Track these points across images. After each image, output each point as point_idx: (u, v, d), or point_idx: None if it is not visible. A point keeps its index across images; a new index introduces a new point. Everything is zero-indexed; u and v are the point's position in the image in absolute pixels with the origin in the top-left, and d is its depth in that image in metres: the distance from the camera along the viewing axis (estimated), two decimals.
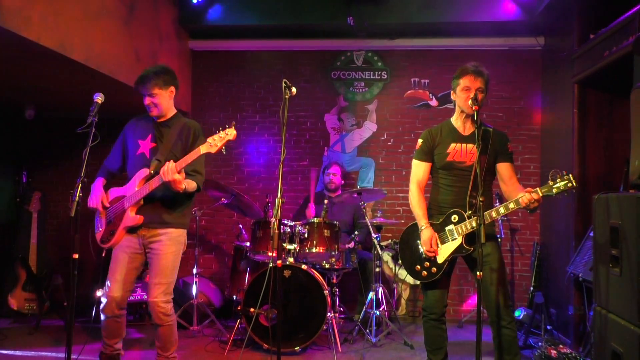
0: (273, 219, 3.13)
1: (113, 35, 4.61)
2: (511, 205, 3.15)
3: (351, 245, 5.07)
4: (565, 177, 3.03)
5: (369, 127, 6.37)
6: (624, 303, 2.84)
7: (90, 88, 4.43)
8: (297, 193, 6.27)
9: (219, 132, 3.27)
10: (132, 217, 3.44)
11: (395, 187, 6.19)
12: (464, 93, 3.33)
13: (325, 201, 4.92)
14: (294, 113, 6.29)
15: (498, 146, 3.33)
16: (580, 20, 4.91)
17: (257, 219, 4.79)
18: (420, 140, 3.49)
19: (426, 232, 3.35)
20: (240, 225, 5.58)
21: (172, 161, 3.29)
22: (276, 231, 3.09)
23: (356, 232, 5.12)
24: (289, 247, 4.55)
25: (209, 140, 3.26)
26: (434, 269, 3.37)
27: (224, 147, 3.24)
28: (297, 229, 4.60)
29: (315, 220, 4.67)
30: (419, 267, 3.41)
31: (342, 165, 5.88)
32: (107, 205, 3.54)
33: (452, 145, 3.37)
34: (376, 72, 6.36)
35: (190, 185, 3.45)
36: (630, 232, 2.78)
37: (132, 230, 3.48)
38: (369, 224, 4.89)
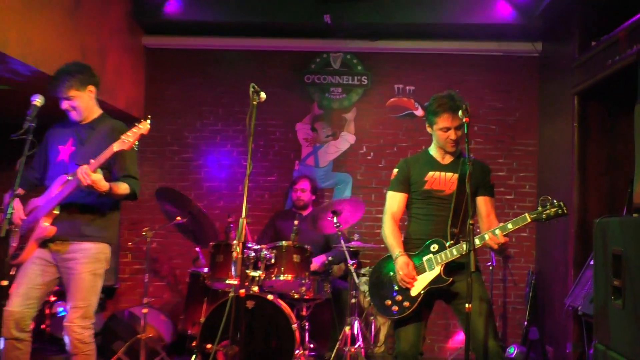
0: (236, 242, 3.15)
1: (56, 29, 4.57)
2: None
3: (323, 258, 5.06)
4: (556, 203, 3.17)
5: (347, 139, 6.41)
6: (627, 340, 2.86)
7: (28, 89, 4.38)
8: (263, 212, 6.26)
9: (133, 127, 3.34)
10: (43, 227, 3.38)
11: (375, 207, 6.21)
12: (442, 133, 3.46)
13: (296, 222, 4.91)
14: (262, 121, 6.29)
15: (479, 178, 3.46)
16: (581, 26, 5.02)
17: (217, 242, 4.77)
18: (395, 170, 3.63)
19: (401, 259, 3.42)
20: (198, 249, 5.52)
21: (85, 165, 3.32)
22: (239, 256, 3.08)
23: (330, 258, 5.11)
24: (253, 274, 4.52)
25: (122, 137, 3.30)
26: (406, 303, 3.40)
27: (136, 143, 3.35)
28: (262, 253, 4.58)
29: (284, 243, 4.66)
30: (389, 301, 3.45)
31: (312, 180, 5.87)
32: (24, 217, 3.48)
33: (430, 173, 3.51)
34: (355, 77, 6.42)
35: (121, 187, 3.44)
36: (634, 260, 2.81)
37: (44, 243, 3.42)
38: (345, 248, 4.89)
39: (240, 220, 3.07)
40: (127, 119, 6.16)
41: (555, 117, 5.68)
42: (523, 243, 6.15)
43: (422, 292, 3.38)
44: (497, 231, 3.25)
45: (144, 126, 3.32)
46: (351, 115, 6.42)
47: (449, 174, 3.48)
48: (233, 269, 4.40)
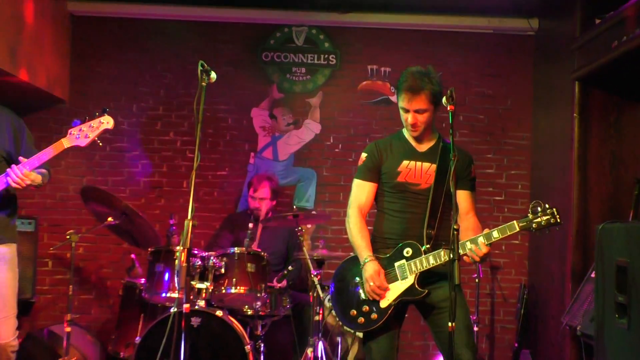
0: (179, 248, 3.12)
1: None
2: (479, 240, 3.28)
3: (283, 284, 5.05)
4: (549, 210, 3.19)
5: (311, 128, 6.42)
6: None
7: None
8: (212, 213, 6.23)
9: (87, 120, 3.42)
10: None
11: (343, 209, 6.13)
12: (403, 113, 3.54)
13: (250, 225, 4.90)
14: (211, 106, 6.24)
15: (459, 168, 3.43)
16: (583, 1, 5.07)
17: (156, 248, 4.72)
18: (364, 155, 3.66)
19: (370, 265, 3.44)
20: (134, 256, 5.47)
21: (15, 166, 3.49)
22: (183, 264, 3.06)
23: (290, 268, 5.10)
24: (199, 285, 4.50)
25: (73, 131, 3.45)
26: (374, 315, 3.44)
27: (98, 139, 3.53)
28: (210, 261, 4.56)
29: (236, 250, 4.64)
30: (354, 311, 3.49)
31: (273, 181, 5.86)
32: None
33: (405, 162, 3.55)
34: (322, 56, 6.41)
35: (37, 179, 3.63)
36: None
37: None
38: (307, 257, 4.88)
39: (186, 223, 3.05)
40: (49, 100, 6.10)
41: (552, 106, 5.75)
42: (514, 252, 6.24)
43: (393, 303, 3.42)
44: (480, 239, 3.26)
45: (107, 120, 3.47)
46: (316, 100, 6.42)
47: (426, 165, 3.52)
48: (176, 279, 4.41)
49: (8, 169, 3.49)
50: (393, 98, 6.34)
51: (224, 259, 4.62)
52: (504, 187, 6.30)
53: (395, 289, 3.41)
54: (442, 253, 3.31)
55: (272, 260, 5.18)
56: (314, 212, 6.03)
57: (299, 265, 5.51)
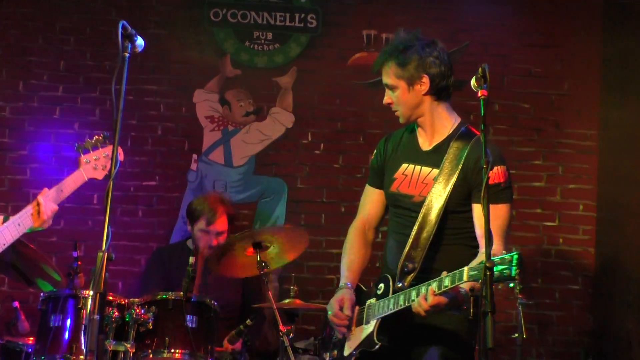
0: (88, 293, 3.11)
1: None
2: (421, 290, 3.33)
3: (237, 346, 5.06)
4: (507, 257, 3.10)
5: (280, 120, 6.45)
6: None
7: None
8: (135, 242, 6.23)
9: (99, 147, 3.75)
10: None
11: (327, 236, 6.25)
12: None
13: (191, 260, 4.88)
14: (135, 86, 6.21)
15: (471, 172, 3.55)
16: None
17: (51, 292, 4.71)
18: (375, 151, 3.95)
19: (339, 293, 3.70)
20: (16, 304, 5.43)
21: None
22: (93, 316, 3.02)
23: (247, 322, 5.09)
24: (116, 347, 4.48)
25: (86, 159, 3.94)
26: None
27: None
28: (133, 312, 4.55)
29: (170, 296, 4.66)
30: (327, 355, 3.77)
31: (225, 201, 5.79)
32: None
33: (403, 166, 3.75)
34: (296, 15, 6.46)
35: None
36: None
37: None
38: (274, 306, 4.87)
39: (99, 255, 3.03)
40: None
41: (630, 91, 5.79)
42: (571, 301, 6.25)
43: (354, 352, 3.59)
44: (432, 286, 3.30)
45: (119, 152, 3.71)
46: (288, 79, 6.46)
47: (426, 169, 3.65)
48: (82, 339, 4.38)
49: (39, 205, 3.80)
50: None
51: (153, 308, 4.59)
52: (558, 207, 6.34)
53: (359, 335, 3.60)
54: (413, 293, 3.37)
55: (222, 310, 5.15)
56: (283, 229, 6.01)
57: (261, 319, 5.49)
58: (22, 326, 5.37)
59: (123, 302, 4.61)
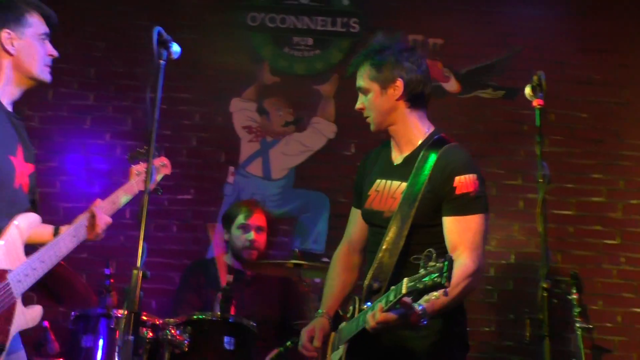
0: (122, 311, 3.10)
1: None
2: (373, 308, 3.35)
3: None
4: (437, 264, 3.10)
5: (321, 130, 6.44)
6: None
7: None
8: (169, 259, 6.24)
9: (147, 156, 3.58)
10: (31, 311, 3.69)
11: None
12: None
13: (229, 278, 4.88)
14: (168, 94, 6.17)
15: (438, 183, 3.57)
16: None
17: (82, 311, 4.73)
18: (357, 170, 4.11)
19: (311, 322, 3.86)
20: (46, 324, 5.44)
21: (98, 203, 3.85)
22: (128, 338, 3.02)
23: (288, 343, 5.09)
24: None
25: (137, 170, 3.94)
26: None
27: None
28: (168, 333, 4.57)
29: (206, 316, 4.66)
30: None
31: (266, 208, 5.89)
32: None
33: (377, 182, 3.82)
34: (338, 20, 6.45)
35: None
36: None
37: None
38: None
39: (134, 273, 3.03)
40: None
41: None
42: (634, 325, 6.18)
43: None
44: (380, 303, 3.32)
45: (166, 164, 4.23)
46: (329, 87, 6.45)
47: (396, 183, 3.70)
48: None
49: (94, 217, 3.79)
50: (447, 85, 6.37)
51: (188, 329, 4.59)
52: (619, 224, 6.27)
53: None
54: (369, 312, 3.36)
55: (259, 328, 5.15)
56: (325, 259, 5.98)
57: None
58: (51, 347, 5.36)
59: (157, 323, 4.63)
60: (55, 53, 3.83)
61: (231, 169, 6.42)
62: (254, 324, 4.78)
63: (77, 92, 6.43)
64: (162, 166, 4.20)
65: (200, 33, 6.40)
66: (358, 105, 3.79)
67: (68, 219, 6.03)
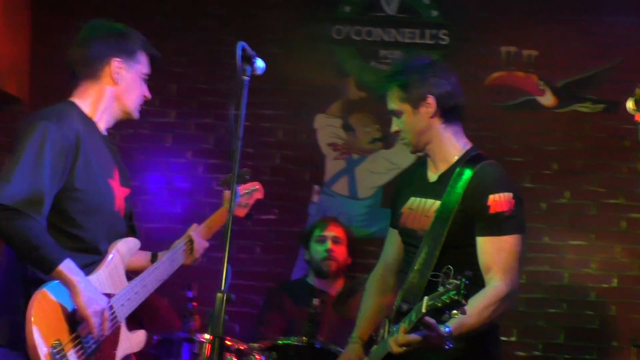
0: (205, 336, 3.11)
1: None
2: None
3: None
4: (454, 283, 3.13)
5: (410, 147, 6.37)
6: None
7: None
8: (252, 281, 6.24)
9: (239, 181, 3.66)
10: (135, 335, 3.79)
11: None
12: None
13: (315, 302, 4.88)
14: (252, 111, 6.17)
15: (471, 202, 3.57)
16: None
17: (165, 336, 4.78)
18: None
19: (345, 351, 4.03)
20: None
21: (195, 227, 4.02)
22: None
23: None
24: None
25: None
26: None
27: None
28: (252, 358, 4.60)
29: (292, 341, 4.68)
30: None
31: (347, 227, 5.89)
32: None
33: (410, 199, 3.83)
34: (426, 31, 6.45)
35: None
36: None
37: None
38: None
39: (218, 296, 3.04)
40: None
41: None
42: None
43: None
44: (404, 324, 3.34)
45: (259, 187, 4.35)
46: None
47: (430, 202, 3.71)
48: None
49: (193, 242, 3.94)
50: (543, 98, 6.30)
51: (273, 354, 4.61)
52: None
53: None
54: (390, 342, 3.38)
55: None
56: None
57: None
58: None
59: (242, 348, 4.64)
60: (149, 96, 3.94)
61: (316, 187, 6.44)
62: (342, 350, 4.76)
63: (159, 109, 6.45)
64: (254, 191, 4.29)
65: (283, 47, 6.43)
66: (394, 129, 3.82)
67: (150, 239, 6.09)
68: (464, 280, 3.09)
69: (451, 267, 3.17)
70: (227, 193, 3.96)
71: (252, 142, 6.35)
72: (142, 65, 3.87)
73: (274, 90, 6.36)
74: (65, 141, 3.48)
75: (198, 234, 3.89)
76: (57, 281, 3.33)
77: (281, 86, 6.40)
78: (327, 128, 6.47)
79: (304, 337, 4.73)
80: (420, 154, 3.87)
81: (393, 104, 3.75)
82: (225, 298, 3.06)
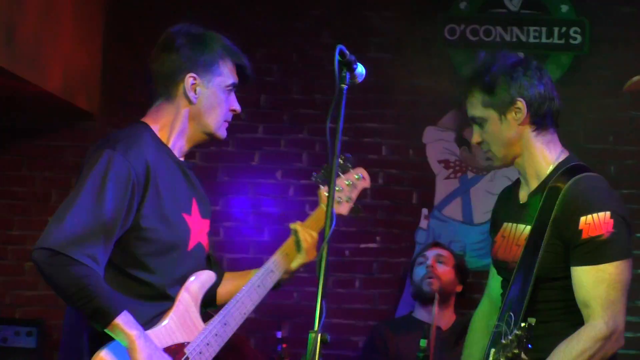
0: None
1: None
2: None
3: None
4: (518, 332, 3.14)
5: None
6: None
7: None
8: (351, 320, 6.21)
9: (342, 173, 3.85)
10: None
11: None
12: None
13: (423, 343, 4.86)
14: (351, 124, 6.20)
15: (562, 225, 3.48)
16: None
17: None
18: None
19: None
20: None
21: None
22: None
23: None
24: None
25: (337, 193, 3.98)
26: None
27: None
28: None
29: None
30: None
31: (455, 253, 5.86)
32: None
33: (503, 225, 3.78)
34: (556, 30, 6.37)
35: None
36: None
37: None
38: None
39: (310, 337, 2.96)
40: (66, 114, 6.30)
41: None
42: None
43: None
44: None
45: (364, 175, 4.06)
46: None
47: (520, 227, 3.65)
48: None
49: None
50: None
51: None
52: None
53: None
54: None
55: None
56: None
57: None
58: None
59: None
60: (238, 108, 3.91)
61: (424, 211, 6.40)
62: None
63: (245, 123, 6.42)
64: (359, 180, 4.07)
65: (389, 51, 6.45)
66: (475, 139, 3.74)
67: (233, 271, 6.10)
68: (525, 327, 3.10)
69: (512, 314, 3.35)
70: (321, 190, 3.94)
71: (353, 159, 6.30)
72: (224, 76, 3.81)
73: (376, 100, 6.39)
74: (133, 174, 3.49)
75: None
76: (117, 341, 3.37)
77: (385, 95, 6.41)
78: (438, 142, 6.42)
79: None
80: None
81: (475, 110, 3.67)
82: (319, 339, 2.98)
